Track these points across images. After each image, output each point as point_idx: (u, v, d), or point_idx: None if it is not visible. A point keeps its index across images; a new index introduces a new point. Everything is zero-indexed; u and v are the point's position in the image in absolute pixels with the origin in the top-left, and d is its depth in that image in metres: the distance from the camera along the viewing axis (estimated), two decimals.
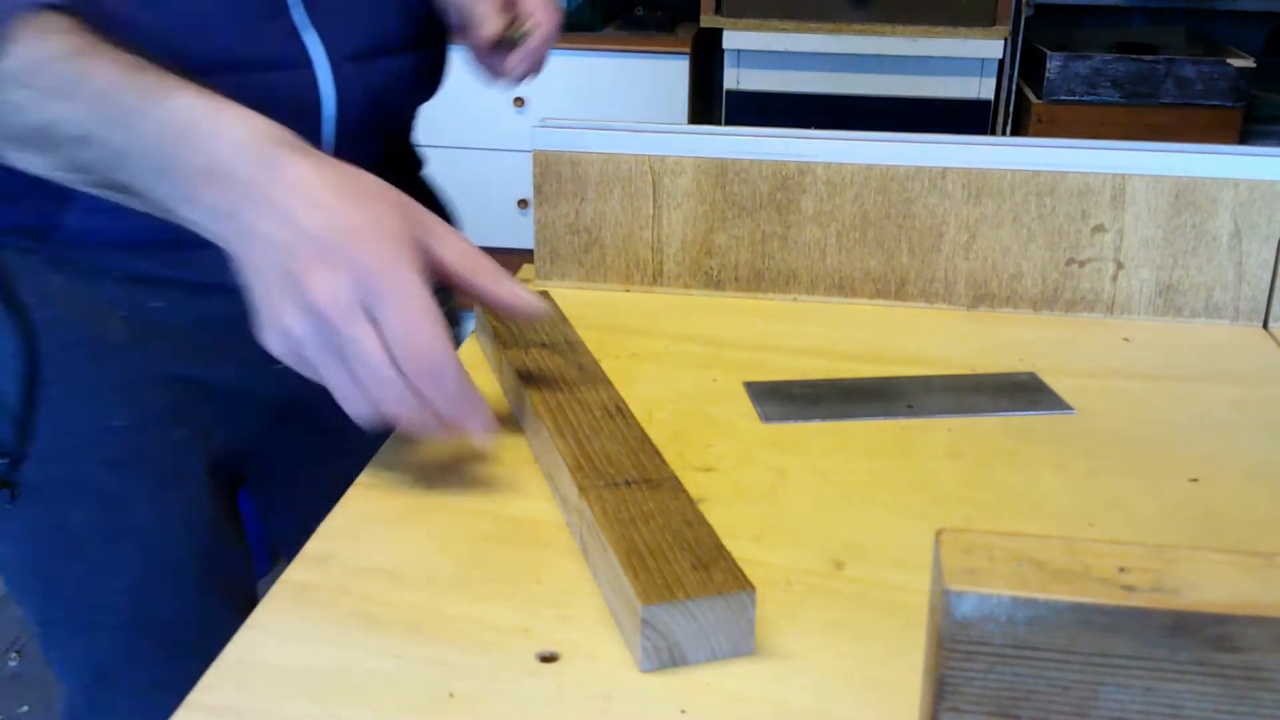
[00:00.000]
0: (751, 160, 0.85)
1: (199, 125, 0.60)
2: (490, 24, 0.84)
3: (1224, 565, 0.34)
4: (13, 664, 1.99)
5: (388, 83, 0.84)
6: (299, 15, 0.78)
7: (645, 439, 0.61)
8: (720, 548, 0.51)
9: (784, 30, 2.43)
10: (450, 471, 0.63)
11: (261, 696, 0.47)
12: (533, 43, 0.84)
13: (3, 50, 0.62)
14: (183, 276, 0.82)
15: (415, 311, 0.55)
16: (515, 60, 0.85)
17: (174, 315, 0.81)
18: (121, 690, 0.86)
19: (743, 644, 0.49)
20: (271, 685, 0.47)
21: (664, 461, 0.59)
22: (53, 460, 0.80)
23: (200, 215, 0.60)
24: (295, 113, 0.78)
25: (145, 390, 0.82)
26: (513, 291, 0.62)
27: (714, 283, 0.88)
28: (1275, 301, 0.83)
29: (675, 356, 0.78)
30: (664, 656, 0.48)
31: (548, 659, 0.49)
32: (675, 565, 0.50)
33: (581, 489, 0.56)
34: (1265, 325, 0.84)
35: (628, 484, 0.57)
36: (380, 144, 0.87)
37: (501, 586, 0.54)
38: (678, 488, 0.57)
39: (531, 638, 0.50)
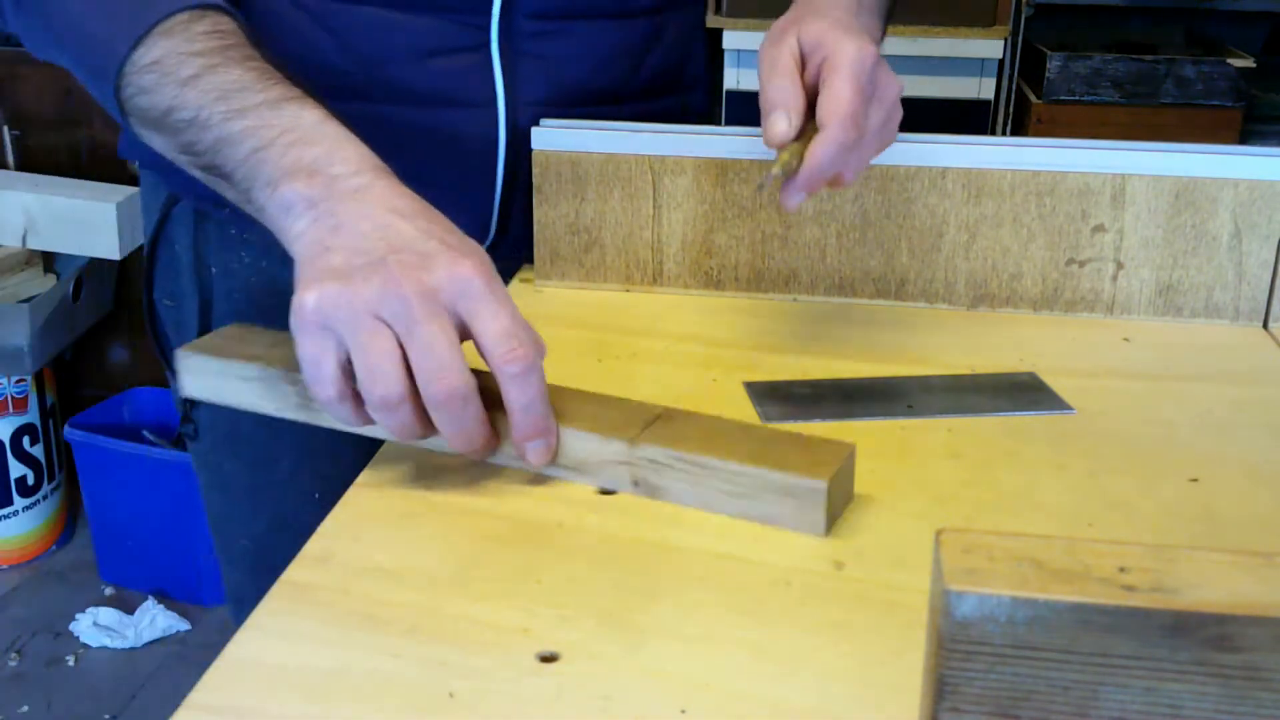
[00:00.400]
0: (751, 160, 0.85)
1: (313, 135, 0.62)
2: (775, 128, 0.68)
3: (1224, 565, 0.34)
4: (13, 664, 1.99)
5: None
6: (495, 54, 0.82)
7: (596, 394, 0.64)
8: (795, 433, 0.60)
9: None
10: (450, 471, 0.63)
11: (261, 696, 0.47)
12: (805, 167, 0.67)
13: (147, 40, 0.67)
14: None
15: (515, 316, 0.57)
16: (788, 193, 0.69)
17: None
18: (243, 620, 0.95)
19: (850, 493, 0.60)
20: (271, 685, 0.47)
21: (640, 401, 0.63)
22: (219, 409, 0.88)
23: (275, 202, 0.61)
24: (473, 146, 0.84)
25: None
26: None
27: (714, 283, 0.88)
28: (1275, 301, 0.83)
29: (675, 356, 0.78)
30: (832, 521, 0.58)
31: (548, 659, 0.49)
32: (790, 454, 0.58)
33: (631, 439, 0.59)
34: (1265, 325, 0.84)
35: (648, 425, 0.60)
36: None
37: (501, 586, 0.54)
38: (685, 413, 0.62)
39: (531, 638, 0.50)
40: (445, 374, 0.55)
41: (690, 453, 0.58)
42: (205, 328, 0.88)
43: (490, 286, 0.57)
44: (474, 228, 0.88)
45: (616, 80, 0.90)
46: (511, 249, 0.91)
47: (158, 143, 0.69)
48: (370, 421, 0.59)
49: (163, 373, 0.96)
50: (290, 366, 0.62)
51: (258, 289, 0.87)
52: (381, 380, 0.56)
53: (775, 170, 0.68)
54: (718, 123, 1.02)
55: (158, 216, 0.90)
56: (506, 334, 0.56)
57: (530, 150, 0.86)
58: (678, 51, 0.94)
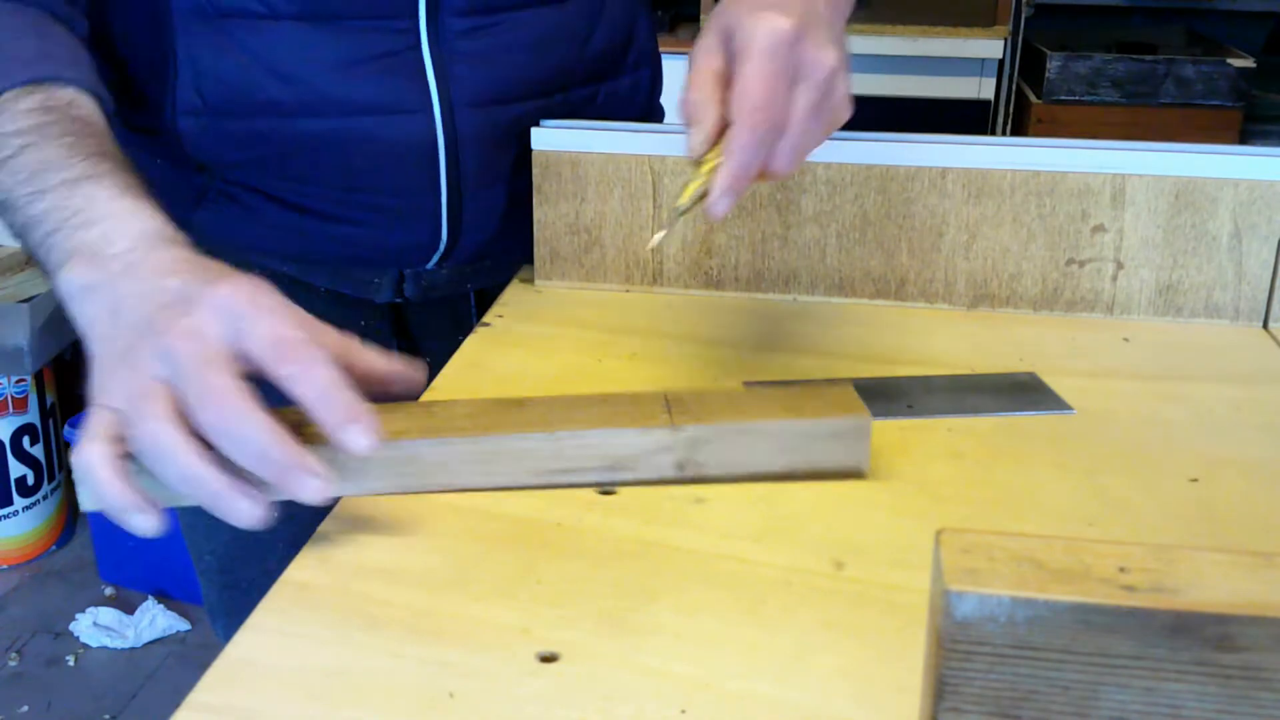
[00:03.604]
0: None
1: (98, 214, 0.61)
2: (690, 142, 0.63)
3: (1224, 565, 0.34)
4: (13, 664, 1.99)
5: (512, 126, 0.85)
6: (427, 57, 0.80)
7: (596, 395, 0.64)
8: (786, 383, 0.66)
9: None
10: None
11: (261, 696, 0.47)
12: (723, 170, 0.61)
13: None
14: (315, 282, 0.87)
15: (283, 322, 0.54)
16: (713, 199, 0.62)
17: None
18: (219, 629, 0.98)
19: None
20: (271, 685, 0.47)
21: (634, 391, 0.64)
22: None
23: (68, 287, 0.59)
24: (411, 153, 0.82)
25: (258, 382, 0.84)
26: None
27: (714, 283, 0.88)
28: (1275, 301, 0.83)
29: (675, 356, 0.78)
30: None
31: (548, 659, 0.49)
32: (811, 402, 0.62)
33: (671, 425, 0.60)
34: (1265, 325, 0.84)
35: (669, 410, 0.61)
36: (509, 176, 0.88)
37: (501, 586, 0.54)
38: (686, 392, 0.63)
39: (531, 638, 0.50)
40: (209, 394, 0.52)
41: (733, 422, 0.60)
42: None
43: (252, 301, 0.54)
44: (422, 236, 0.87)
45: (559, 69, 0.87)
46: (470, 255, 0.89)
47: None
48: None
49: None
50: None
51: None
52: (144, 421, 0.52)
53: (682, 203, 0.63)
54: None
55: None
56: (272, 341, 0.53)
57: (474, 152, 0.83)
58: (622, 30, 0.91)
